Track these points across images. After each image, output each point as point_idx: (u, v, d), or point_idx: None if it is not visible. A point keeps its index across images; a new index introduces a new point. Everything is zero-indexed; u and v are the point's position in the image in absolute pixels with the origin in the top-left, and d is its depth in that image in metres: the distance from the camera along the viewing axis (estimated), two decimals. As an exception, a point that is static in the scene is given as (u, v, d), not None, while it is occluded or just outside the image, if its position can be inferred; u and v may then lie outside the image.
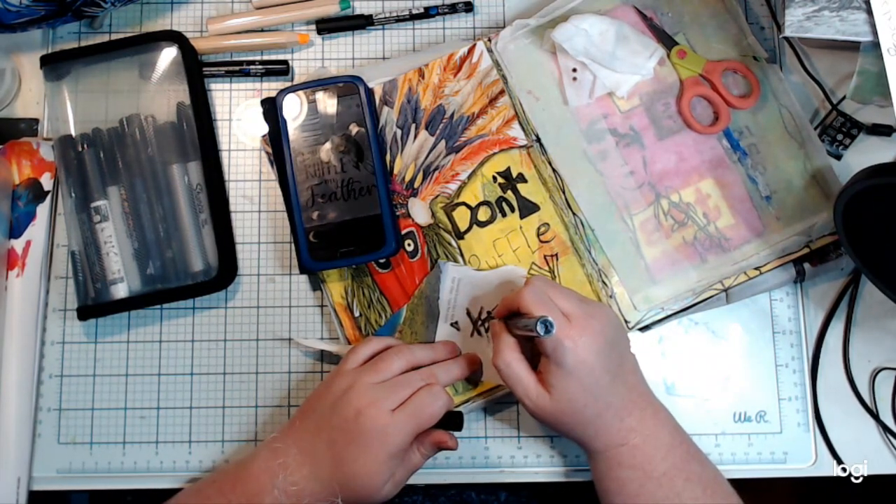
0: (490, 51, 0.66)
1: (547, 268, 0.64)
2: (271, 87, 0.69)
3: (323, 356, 0.65)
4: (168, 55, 0.67)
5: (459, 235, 0.65)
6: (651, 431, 0.56)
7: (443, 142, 0.66)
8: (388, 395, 0.56)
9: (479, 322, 0.64)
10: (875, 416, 0.64)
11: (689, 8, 0.67)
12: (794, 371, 0.65)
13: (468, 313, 0.64)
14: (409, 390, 0.57)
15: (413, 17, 0.69)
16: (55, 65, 0.67)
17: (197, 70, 0.67)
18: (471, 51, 0.66)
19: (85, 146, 0.66)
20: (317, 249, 0.63)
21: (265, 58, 0.69)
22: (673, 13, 0.67)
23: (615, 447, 0.56)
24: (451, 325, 0.64)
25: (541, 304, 0.55)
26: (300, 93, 0.65)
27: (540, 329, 0.51)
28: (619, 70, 0.65)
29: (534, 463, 0.64)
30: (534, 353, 0.57)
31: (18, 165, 0.65)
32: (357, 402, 0.56)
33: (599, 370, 0.54)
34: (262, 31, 0.69)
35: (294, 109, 0.65)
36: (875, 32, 0.58)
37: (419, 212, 0.65)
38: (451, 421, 0.59)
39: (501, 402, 0.65)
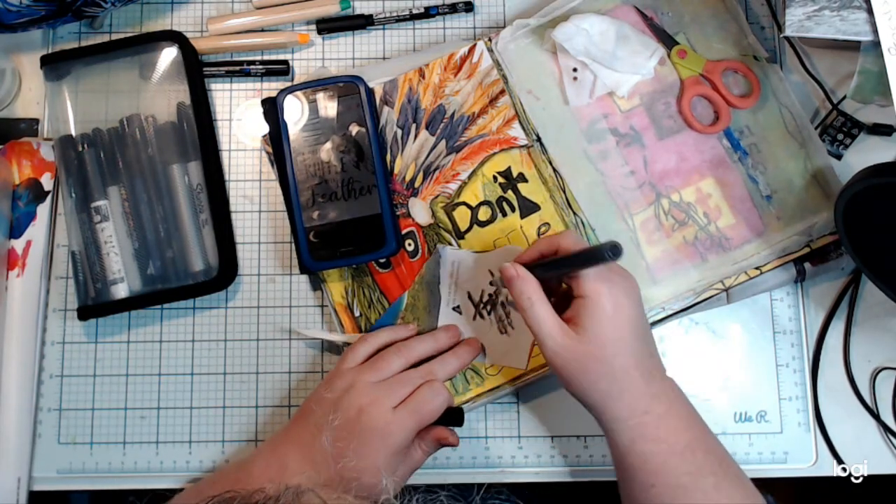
0: (490, 50, 0.66)
1: (547, 268, 0.64)
2: (271, 87, 0.69)
3: (323, 358, 0.66)
4: (168, 55, 0.67)
5: (460, 235, 0.65)
6: (673, 399, 0.54)
7: (443, 141, 0.66)
8: (389, 394, 0.56)
9: (481, 305, 0.64)
10: (875, 415, 0.64)
11: (689, 8, 0.67)
12: (795, 371, 0.65)
13: (469, 297, 0.64)
14: (410, 388, 0.57)
15: (413, 17, 0.69)
16: (55, 65, 0.67)
17: (197, 70, 0.67)
18: (471, 50, 0.66)
19: (85, 146, 0.66)
20: (317, 249, 0.63)
21: (265, 58, 0.69)
22: (673, 13, 0.67)
23: (640, 415, 0.53)
24: (453, 309, 0.64)
25: (584, 244, 0.54)
26: (300, 93, 0.65)
27: (609, 253, 0.49)
28: (620, 70, 0.65)
29: (534, 463, 0.64)
30: (555, 305, 0.55)
31: (19, 165, 0.65)
32: (358, 400, 0.56)
33: (636, 319, 0.53)
34: (263, 31, 0.69)
35: (294, 109, 0.65)
36: (875, 32, 0.58)
37: (419, 211, 0.65)
38: (452, 417, 0.59)
39: (502, 401, 0.65)
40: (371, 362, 0.60)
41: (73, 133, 0.66)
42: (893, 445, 0.64)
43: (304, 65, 0.69)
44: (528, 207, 0.65)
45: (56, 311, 0.66)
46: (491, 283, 0.64)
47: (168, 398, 0.65)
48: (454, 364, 0.61)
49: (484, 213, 0.65)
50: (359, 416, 0.55)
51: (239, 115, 0.69)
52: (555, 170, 0.65)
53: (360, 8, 0.70)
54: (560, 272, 0.55)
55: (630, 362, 0.53)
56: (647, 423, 0.53)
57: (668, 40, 0.66)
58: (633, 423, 0.53)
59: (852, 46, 0.60)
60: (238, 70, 0.68)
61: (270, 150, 0.66)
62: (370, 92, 0.65)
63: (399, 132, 0.66)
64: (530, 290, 0.54)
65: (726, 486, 0.53)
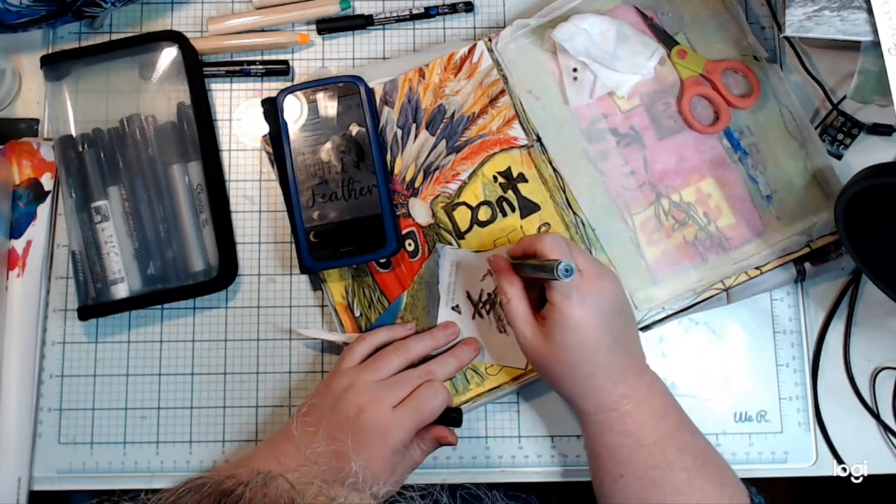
0: (490, 50, 0.66)
1: (547, 267, 0.64)
2: (271, 87, 0.69)
3: (323, 357, 0.66)
4: (168, 55, 0.67)
5: (460, 235, 0.65)
6: (644, 399, 0.56)
7: (443, 141, 0.66)
8: (389, 393, 0.57)
9: (480, 304, 0.64)
10: (875, 415, 0.64)
11: (689, 8, 0.67)
12: (795, 371, 0.65)
13: (468, 296, 0.64)
14: (409, 387, 0.58)
15: (413, 17, 0.69)
16: (55, 65, 0.67)
17: (197, 70, 0.67)
18: (471, 51, 0.66)
19: (85, 146, 0.66)
20: (317, 249, 0.63)
21: (265, 58, 0.69)
22: (673, 13, 0.67)
23: (606, 411, 0.55)
24: (453, 308, 0.64)
25: (560, 251, 0.55)
26: (300, 93, 0.65)
27: (560, 272, 0.51)
28: (620, 70, 0.65)
29: (534, 463, 0.64)
30: (537, 298, 0.58)
31: (19, 165, 0.65)
32: (358, 400, 0.56)
33: (602, 330, 0.54)
34: (263, 31, 0.69)
35: (294, 109, 0.65)
36: (875, 32, 0.58)
37: (420, 211, 0.65)
38: (451, 417, 0.59)
39: (502, 401, 0.65)
40: (370, 362, 0.60)
41: (73, 133, 0.66)
42: (893, 445, 0.64)
43: (304, 65, 0.69)
44: (528, 207, 0.65)
45: (56, 311, 0.66)
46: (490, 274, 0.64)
47: (168, 398, 0.65)
48: (453, 364, 0.61)
49: (484, 213, 0.65)
50: (358, 415, 0.55)
51: (239, 115, 0.69)
52: (555, 170, 0.65)
53: (360, 8, 0.70)
54: (535, 276, 0.56)
55: (595, 368, 0.55)
56: (612, 419, 0.55)
57: (668, 40, 0.66)
58: (600, 418, 0.56)
59: (852, 46, 0.60)
60: (238, 70, 0.68)
61: (270, 150, 0.66)
62: (370, 92, 0.65)
63: (399, 132, 0.66)
64: (510, 285, 0.58)
65: (700, 482, 0.54)
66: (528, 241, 0.58)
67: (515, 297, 0.57)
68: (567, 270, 0.51)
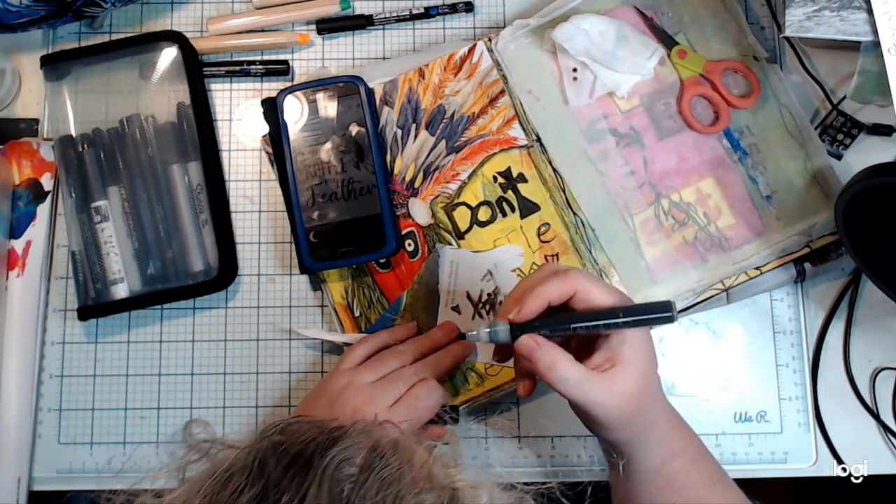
0: (490, 51, 0.66)
1: (547, 268, 0.64)
2: (271, 87, 0.69)
3: (323, 358, 0.66)
4: (168, 55, 0.67)
5: (460, 235, 0.65)
6: (677, 420, 0.53)
7: (443, 142, 0.66)
8: (383, 393, 0.57)
9: (480, 305, 0.64)
10: (875, 416, 0.64)
11: (689, 8, 0.67)
12: (795, 371, 0.65)
13: (468, 296, 0.64)
14: (404, 386, 0.58)
15: (413, 17, 0.69)
16: (55, 65, 0.67)
17: (197, 70, 0.67)
18: (471, 51, 0.66)
19: (85, 146, 0.66)
20: (317, 249, 0.63)
21: (265, 58, 0.69)
22: (673, 13, 0.67)
23: (669, 430, 0.51)
24: (452, 308, 0.64)
25: (609, 292, 0.48)
26: (300, 93, 0.65)
27: (669, 316, 0.46)
28: (620, 70, 0.65)
29: (534, 463, 0.64)
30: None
31: (19, 165, 0.65)
32: (353, 400, 0.56)
33: (654, 351, 0.50)
34: (263, 31, 0.69)
35: (294, 109, 0.65)
36: (875, 32, 0.58)
37: (419, 212, 0.65)
38: (447, 415, 0.59)
39: (501, 401, 0.65)
40: (368, 362, 0.60)
41: (73, 133, 0.66)
42: (893, 445, 0.64)
43: (304, 65, 0.69)
44: (528, 208, 0.65)
45: (56, 311, 0.66)
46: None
47: (168, 398, 0.65)
48: (448, 362, 0.61)
49: (484, 214, 0.65)
50: (354, 415, 0.55)
51: (239, 115, 0.69)
52: (555, 170, 0.65)
53: (360, 8, 0.70)
54: (594, 329, 0.47)
55: (658, 383, 0.51)
56: (677, 439, 0.52)
57: (668, 40, 0.66)
58: (668, 440, 0.51)
59: (852, 46, 0.60)
60: (238, 70, 0.68)
61: (270, 150, 0.66)
62: (370, 92, 0.65)
63: (399, 132, 0.66)
64: (556, 356, 0.47)
65: (731, 492, 0.53)
66: (555, 288, 0.48)
67: (571, 366, 0.47)
68: (669, 307, 0.46)
